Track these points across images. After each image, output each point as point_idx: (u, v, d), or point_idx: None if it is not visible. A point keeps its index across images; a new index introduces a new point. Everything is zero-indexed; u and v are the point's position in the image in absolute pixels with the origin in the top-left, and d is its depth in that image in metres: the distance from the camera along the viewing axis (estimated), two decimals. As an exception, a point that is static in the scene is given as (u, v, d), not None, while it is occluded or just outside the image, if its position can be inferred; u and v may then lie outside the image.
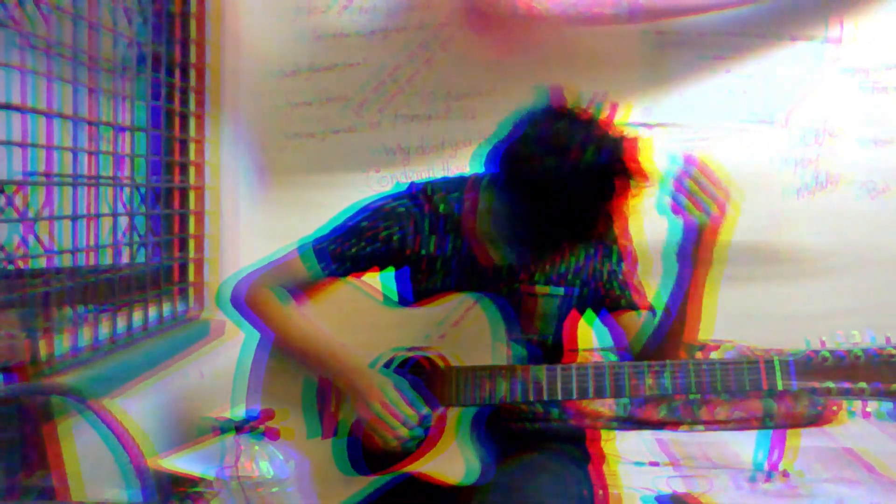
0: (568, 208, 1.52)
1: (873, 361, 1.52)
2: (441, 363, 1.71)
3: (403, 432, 1.66)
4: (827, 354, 1.54)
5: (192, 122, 2.91)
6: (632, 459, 2.69)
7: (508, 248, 1.69)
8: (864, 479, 2.55)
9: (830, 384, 1.53)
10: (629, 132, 1.57)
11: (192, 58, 2.89)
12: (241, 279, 1.85)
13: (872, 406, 1.52)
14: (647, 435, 2.98)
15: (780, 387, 1.55)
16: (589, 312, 1.82)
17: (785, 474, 2.59)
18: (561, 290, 1.75)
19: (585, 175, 1.51)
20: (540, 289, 1.74)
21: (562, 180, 1.50)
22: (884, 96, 3.25)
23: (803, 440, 2.78)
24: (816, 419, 2.74)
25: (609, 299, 1.79)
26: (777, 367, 1.56)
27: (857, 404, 1.53)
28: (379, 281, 1.87)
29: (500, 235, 1.68)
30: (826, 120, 3.28)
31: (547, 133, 1.54)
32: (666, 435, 3.00)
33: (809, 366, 1.55)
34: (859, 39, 3.24)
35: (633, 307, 1.79)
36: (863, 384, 1.52)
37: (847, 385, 1.52)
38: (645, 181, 1.59)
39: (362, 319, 1.81)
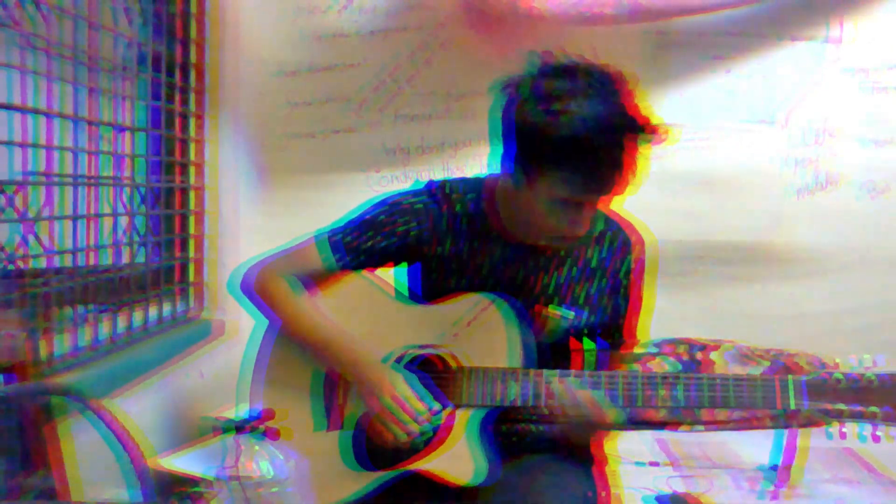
0: (608, 134, 1.54)
1: (886, 386, 1.55)
2: (453, 363, 1.71)
3: (414, 428, 1.66)
4: (840, 377, 1.56)
5: (192, 122, 2.91)
6: (632, 459, 2.69)
7: (556, 219, 1.64)
8: (864, 479, 2.56)
9: (842, 406, 1.55)
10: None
11: (192, 58, 2.89)
12: (254, 265, 1.85)
13: (882, 430, 1.54)
14: (647, 435, 2.98)
15: (792, 406, 1.57)
16: (587, 341, 1.82)
17: (786, 476, 2.59)
18: (571, 314, 1.74)
19: (602, 100, 1.55)
20: (552, 310, 1.73)
21: (585, 121, 1.53)
22: (884, 96, 3.25)
23: (803, 440, 2.77)
24: (818, 420, 2.74)
25: (604, 334, 1.80)
26: (791, 387, 1.57)
27: (868, 427, 1.54)
28: (393, 277, 1.87)
29: (543, 214, 1.64)
30: (826, 120, 3.28)
31: (548, 96, 1.57)
32: (666, 435, 3.00)
33: (823, 387, 1.57)
34: (859, 39, 3.24)
35: (615, 346, 1.81)
36: (874, 408, 1.54)
37: (859, 408, 1.55)
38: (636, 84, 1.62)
39: (376, 314, 1.80)
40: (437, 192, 1.77)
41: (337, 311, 1.80)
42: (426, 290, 1.80)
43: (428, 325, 1.74)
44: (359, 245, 1.77)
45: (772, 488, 2.57)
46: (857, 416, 1.55)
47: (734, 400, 1.59)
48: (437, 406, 1.68)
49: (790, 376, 1.58)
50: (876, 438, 1.55)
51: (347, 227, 1.79)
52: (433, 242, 1.76)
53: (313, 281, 1.81)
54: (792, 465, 2.64)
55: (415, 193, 1.78)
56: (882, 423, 1.54)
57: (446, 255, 1.75)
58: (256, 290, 1.82)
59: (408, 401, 1.66)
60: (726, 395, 1.59)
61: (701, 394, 1.60)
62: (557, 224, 1.64)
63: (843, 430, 1.56)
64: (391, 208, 1.77)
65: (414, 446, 1.68)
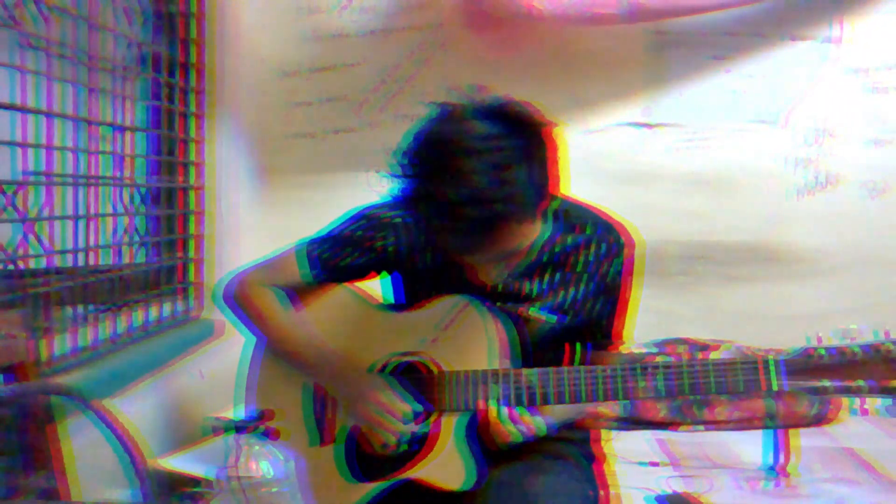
0: (485, 178, 1.46)
1: (870, 358, 1.50)
2: (435, 368, 1.70)
3: (401, 428, 1.66)
4: (823, 352, 1.52)
5: (192, 122, 2.91)
6: (632, 459, 2.69)
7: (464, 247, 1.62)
8: (864, 479, 2.55)
9: (826, 382, 1.50)
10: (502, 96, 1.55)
11: (192, 58, 2.89)
12: (236, 276, 1.84)
13: (870, 403, 1.50)
14: (647, 435, 2.98)
15: (775, 387, 1.53)
16: (578, 346, 1.81)
17: (785, 474, 2.59)
18: (553, 318, 1.73)
19: (482, 139, 1.47)
20: (533, 314, 1.72)
21: (471, 160, 1.46)
22: (884, 96, 3.26)
23: (803, 440, 2.77)
24: (818, 419, 2.74)
25: (591, 336, 1.79)
26: (772, 367, 1.54)
27: (857, 401, 1.51)
28: (377, 284, 1.87)
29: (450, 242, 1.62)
30: (826, 120, 3.28)
31: (434, 144, 1.53)
32: (666, 435, 3.00)
33: (806, 364, 1.52)
34: (859, 39, 3.24)
35: (602, 348, 1.79)
36: (860, 382, 1.49)
37: (843, 384, 1.50)
38: (537, 118, 1.53)
39: (356, 324, 1.79)
40: (413, 205, 1.75)
41: (319, 323, 1.79)
42: (411, 297, 1.79)
43: (407, 332, 1.73)
44: (337, 261, 1.76)
45: (770, 487, 2.57)
46: (843, 391, 1.50)
47: (715, 385, 1.56)
48: (419, 408, 1.69)
49: (770, 357, 1.54)
50: (864, 411, 1.51)
51: (325, 241, 1.78)
52: (412, 256, 1.74)
53: (294, 292, 1.80)
54: (784, 465, 2.63)
55: (391, 206, 1.75)
56: (869, 396, 1.49)
57: (427, 266, 1.74)
58: (238, 301, 1.82)
59: (392, 403, 1.67)
60: (707, 381, 1.56)
61: (681, 382, 1.58)
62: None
63: (831, 407, 1.52)
64: (368, 222, 1.76)
65: (401, 450, 1.68)
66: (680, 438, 2.97)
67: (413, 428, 1.68)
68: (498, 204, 1.46)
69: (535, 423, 1.63)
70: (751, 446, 2.69)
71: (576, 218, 1.73)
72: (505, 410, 1.61)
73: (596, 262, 1.73)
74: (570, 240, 1.72)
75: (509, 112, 1.52)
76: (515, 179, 1.47)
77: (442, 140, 1.51)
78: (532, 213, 1.55)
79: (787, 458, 2.64)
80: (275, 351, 1.81)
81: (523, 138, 1.50)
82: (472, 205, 1.45)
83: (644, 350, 3.18)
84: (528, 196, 1.49)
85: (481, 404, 1.63)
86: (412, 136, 1.56)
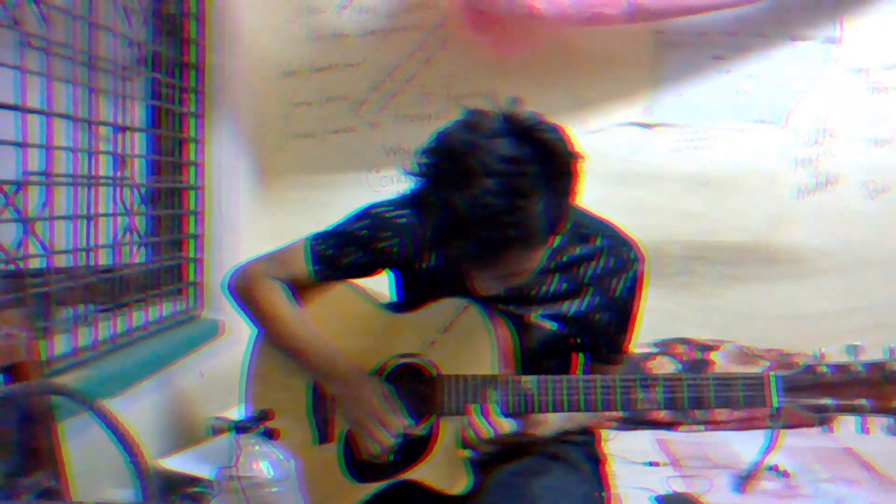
0: (495, 204, 1.39)
1: (874, 377, 1.49)
2: (433, 371, 1.70)
3: (388, 440, 1.66)
4: (825, 369, 1.51)
5: (192, 122, 2.91)
6: (632, 459, 2.69)
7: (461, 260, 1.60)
8: (864, 479, 2.55)
9: (828, 401, 1.49)
10: (537, 117, 1.47)
11: (192, 58, 2.89)
12: (242, 266, 1.85)
13: (872, 422, 1.49)
14: (647, 435, 2.98)
15: (775, 403, 1.53)
16: (581, 356, 1.80)
17: (785, 474, 2.59)
18: (554, 326, 1.73)
19: (501, 166, 1.40)
20: (535, 320, 1.72)
21: (482, 182, 1.39)
22: (884, 96, 3.26)
23: (803, 440, 2.77)
24: (820, 421, 2.74)
25: (595, 347, 1.78)
26: (773, 385, 1.54)
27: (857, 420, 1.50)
28: (381, 282, 1.87)
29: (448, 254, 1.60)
30: (826, 120, 3.28)
31: (454, 151, 1.44)
32: (666, 435, 3.00)
33: (808, 382, 1.52)
34: (859, 39, 3.24)
35: (607, 361, 1.79)
36: (863, 401, 1.48)
37: (845, 402, 1.49)
38: (566, 154, 1.45)
39: (358, 323, 1.80)
40: (423, 207, 1.74)
41: (321, 321, 1.79)
42: (411, 299, 1.79)
43: (407, 334, 1.73)
44: (340, 260, 1.76)
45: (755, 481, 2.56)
46: (845, 410, 1.49)
47: (716, 400, 1.57)
48: (412, 423, 1.69)
49: (771, 373, 1.54)
50: (866, 430, 1.51)
51: (330, 238, 1.78)
52: (417, 257, 1.74)
53: (297, 286, 1.80)
54: (765, 465, 2.61)
55: (398, 205, 1.75)
56: (871, 415, 1.48)
57: (431, 268, 1.74)
58: (239, 291, 1.82)
59: (385, 414, 1.67)
60: (707, 395, 1.57)
61: (680, 395, 1.58)
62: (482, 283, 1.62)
63: (831, 424, 1.52)
64: (373, 221, 1.75)
65: (388, 459, 1.68)
66: (680, 438, 2.97)
67: (399, 440, 1.68)
68: (509, 228, 1.40)
69: (502, 423, 1.62)
70: (751, 446, 2.69)
71: (587, 229, 1.72)
72: (478, 410, 1.61)
73: (604, 275, 1.72)
74: (579, 251, 1.71)
75: (539, 136, 1.43)
76: (533, 208, 1.41)
77: (466, 150, 1.42)
78: (542, 242, 1.50)
79: (768, 454, 2.62)
80: (275, 345, 1.81)
81: (549, 167, 1.43)
82: (482, 224, 1.39)
83: (644, 350, 3.18)
84: (541, 225, 1.44)
85: (469, 409, 1.62)
86: (437, 136, 1.48)
